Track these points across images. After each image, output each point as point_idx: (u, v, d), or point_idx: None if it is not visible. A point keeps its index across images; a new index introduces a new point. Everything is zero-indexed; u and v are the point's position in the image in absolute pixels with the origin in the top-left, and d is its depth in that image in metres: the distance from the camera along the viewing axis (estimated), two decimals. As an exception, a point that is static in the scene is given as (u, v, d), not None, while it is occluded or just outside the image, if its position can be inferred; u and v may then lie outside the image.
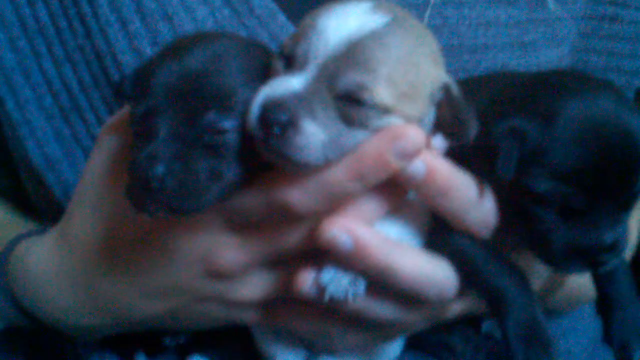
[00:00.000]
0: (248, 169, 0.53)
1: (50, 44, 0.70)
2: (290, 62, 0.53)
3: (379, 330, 0.62)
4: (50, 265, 0.63)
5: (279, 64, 0.54)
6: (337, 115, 0.51)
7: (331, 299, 0.55)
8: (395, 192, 0.55)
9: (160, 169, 0.50)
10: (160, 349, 0.72)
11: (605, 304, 0.68)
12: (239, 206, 0.55)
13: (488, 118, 0.56)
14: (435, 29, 0.65)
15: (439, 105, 0.55)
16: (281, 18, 0.68)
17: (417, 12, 0.69)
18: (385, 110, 0.51)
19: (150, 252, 0.58)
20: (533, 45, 0.75)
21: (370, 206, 0.55)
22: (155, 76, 0.53)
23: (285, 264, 0.57)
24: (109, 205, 0.59)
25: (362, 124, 0.51)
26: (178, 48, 0.54)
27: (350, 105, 0.51)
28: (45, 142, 0.71)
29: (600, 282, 0.67)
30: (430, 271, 0.56)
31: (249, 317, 0.62)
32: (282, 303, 0.60)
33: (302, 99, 0.50)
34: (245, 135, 0.52)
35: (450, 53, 0.61)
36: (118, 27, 0.67)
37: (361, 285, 0.55)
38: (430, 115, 0.55)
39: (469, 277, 0.58)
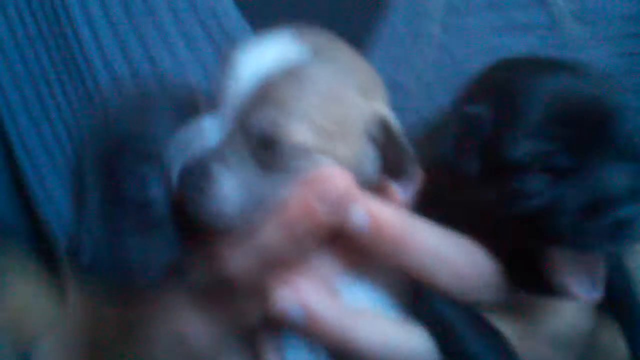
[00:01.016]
0: (189, 238, 0.48)
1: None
2: (214, 105, 0.49)
3: None
4: None
5: (206, 107, 0.50)
6: (253, 160, 0.46)
7: None
8: (359, 251, 0.49)
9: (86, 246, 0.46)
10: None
11: (625, 317, 0.56)
12: (190, 282, 0.50)
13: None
14: (438, 61, 0.62)
15: (379, 144, 0.49)
16: None
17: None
18: (306, 152, 0.46)
19: (126, 343, 0.54)
20: None
21: (329, 268, 0.49)
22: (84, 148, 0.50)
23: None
24: None
25: (280, 168, 0.46)
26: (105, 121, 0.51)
27: (267, 148, 0.46)
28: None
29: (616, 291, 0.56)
30: (400, 342, 0.49)
31: None
32: None
33: (216, 151, 0.46)
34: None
35: (453, 82, 0.56)
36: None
37: None
38: (370, 156, 0.49)
39: (448, 348, 0.50)
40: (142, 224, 0.47)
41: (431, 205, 0.50)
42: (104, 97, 0.65)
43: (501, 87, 0.50)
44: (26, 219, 0.72)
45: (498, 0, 0.66)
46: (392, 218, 0.47)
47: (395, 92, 0.54)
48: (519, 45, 0.65)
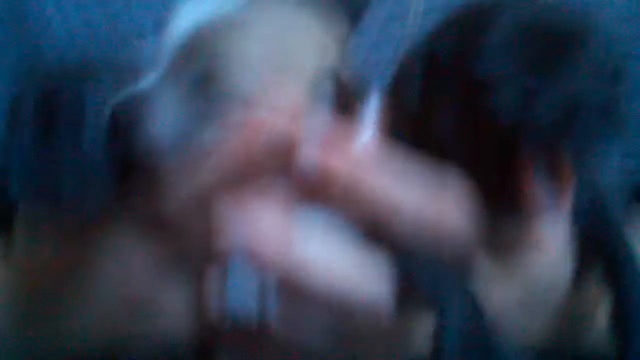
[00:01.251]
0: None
1: None
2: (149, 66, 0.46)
3: None
4: None
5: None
6: (189, 112, 0.43)
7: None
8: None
9: None
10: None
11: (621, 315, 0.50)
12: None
13: None
14: None
15: (330, 99, 0.45)
16: None
17: None
18: (244, 101, 0.43)
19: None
20: None
21: (281, 198, 0.44)
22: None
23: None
24: None
25: (218, 120, 0.43)
26: None
27: (204, 99, 0.43)
28: None
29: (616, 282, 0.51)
30: (354, 268, 0.44)
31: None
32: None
33: (146, 100, 0.44)
34: None
35: None
36: None
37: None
38: (321, 109, 0.45)
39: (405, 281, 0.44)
40: (77, 156, 0.45)
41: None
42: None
43: (466, 20, 0.46)
44: None
45: None
46: (341, 164, 0.43)
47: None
48: None
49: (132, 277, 0.49)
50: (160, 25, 0.59)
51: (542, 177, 0.45)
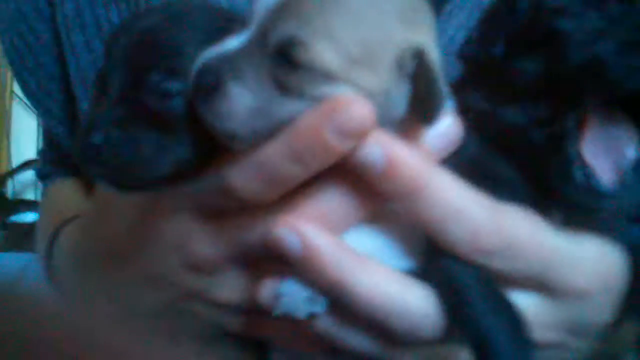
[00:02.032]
0: (202, 144, 0.47)
1: None
2: (244, 23, 0.46)
3: None
4: (68, 250, 0.63)
5: (237, 27, 0.46)
6: (270, 80, 0.43)
7: (285, 314, 0.46)
8: (373, 194, 0.45)
9: (96, 138, 0.45)
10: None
11: None
12: (196, 190, 0.48)
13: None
14: None
15: (414, 79, 0.44)
16: None
17: None
18: (327, 76, 0.42)
19: (132, 241, 0.54)
20: None
21: (336, 206, 0.45)
22: (113, 38, 0.49)
23: (262, 265, 0.49)
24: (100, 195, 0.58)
25: (298, 91, 0.42)
26: (139, 13, 0.51)
27: (285, 67, 0.42)
28: None
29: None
30: (398, 297, 0.44)
31: (233, 323, 0.54)
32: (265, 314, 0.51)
33: (231, 61, 0.43)
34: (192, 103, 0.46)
35: None
36: None
37: (319, 305, 0.46)
38: (401, 91, 0.44)
39: (455, 313, 0.45)
40: (158, 122, 0.46)
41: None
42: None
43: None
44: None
45: None
46: (409, 159, 0.43)
47: None
48: None
49: (188, 248, 0.50)
50: None
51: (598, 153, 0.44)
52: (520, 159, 0.46)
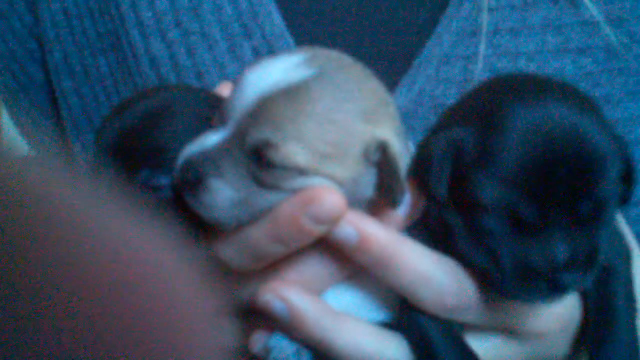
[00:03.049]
0: (192, 226, 0.51)
1: (108, 93, 0.74)
2: (221, 117, 0.50)
3: None
4: None
5: (217, 119, 0.51)
6: (248, 175, 0.48)
7: None
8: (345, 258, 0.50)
9: None
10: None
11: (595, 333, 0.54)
12: (196, 258, 0.53)
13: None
14: None
15: (379, 166, 0.49)
16: None
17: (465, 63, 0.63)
18: (300, 171, 0.47)
19: None
20: (607, 99, 0.64)
21: (317, 271, 0.51)
22: (99, 134, 0.53)
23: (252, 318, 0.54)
24: None
25: (273, 185, 0.47)
26: (122, 106, 0.54)
27: (260, 165, 0.47)
28: None
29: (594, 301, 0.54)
30: (377, 351, 0.50)
31: None
32: None
33: (212, 158, 0.48)
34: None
35: None
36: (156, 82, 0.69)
37: (305, 358, 0.51)
38: (368, 177, 0.49)
39: None
40: (148, 204, 0.50)
41: (418, 226, 0.51)
42: (142, 75, 0.68)
43: (483, 114, 0.49)
44: None
45: (556, 21, 0.63)
46: (379, 235, 0.48)
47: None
48: (572, 69, 0.63)
49: None
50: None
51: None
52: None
